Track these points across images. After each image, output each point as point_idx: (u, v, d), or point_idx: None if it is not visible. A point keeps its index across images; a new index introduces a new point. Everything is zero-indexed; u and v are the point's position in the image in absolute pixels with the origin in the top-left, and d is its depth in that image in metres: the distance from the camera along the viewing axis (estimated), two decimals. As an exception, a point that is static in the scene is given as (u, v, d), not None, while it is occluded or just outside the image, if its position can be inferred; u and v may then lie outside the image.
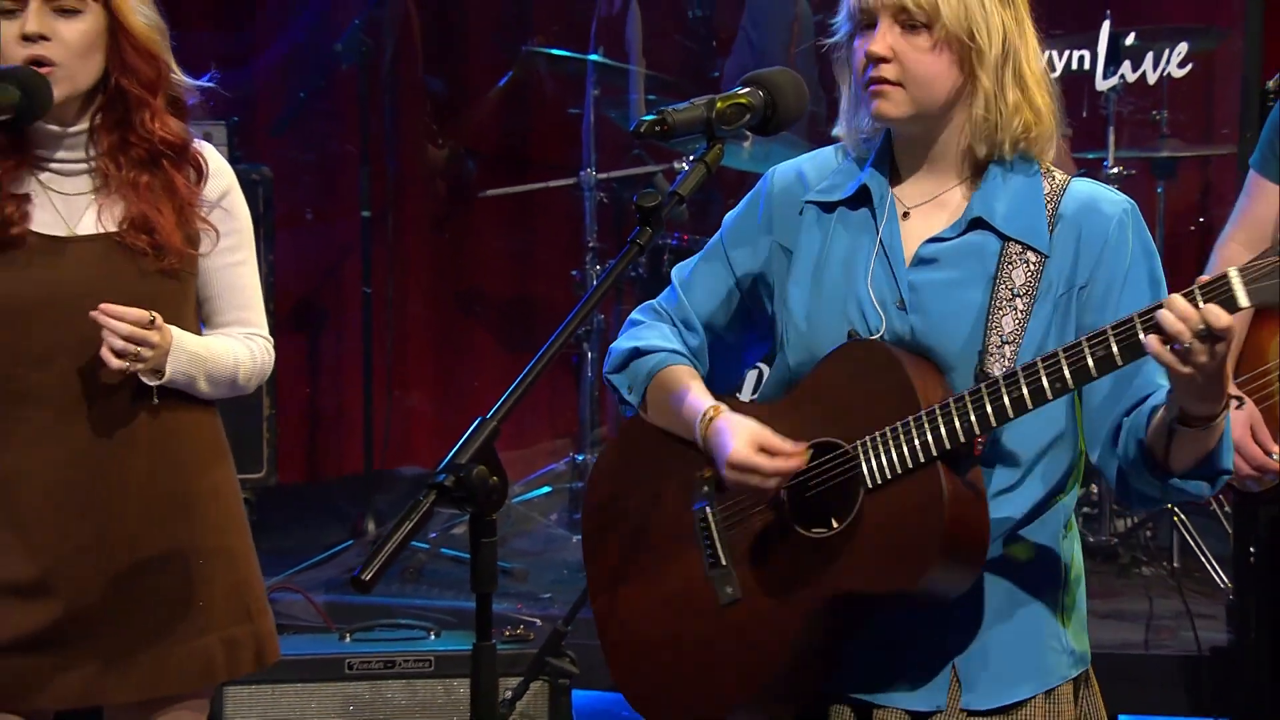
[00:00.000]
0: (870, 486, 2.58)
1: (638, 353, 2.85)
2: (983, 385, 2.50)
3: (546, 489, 6.41)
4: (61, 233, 3.10)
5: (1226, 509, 5.46)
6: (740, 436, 2.64)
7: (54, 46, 3.00)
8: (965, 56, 2.59)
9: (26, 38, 2.99)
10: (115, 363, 2.98)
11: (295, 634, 4.66)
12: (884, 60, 2.59)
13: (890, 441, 2.56)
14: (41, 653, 3.08)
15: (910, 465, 2.54)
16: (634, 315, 2.91)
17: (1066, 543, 2.70)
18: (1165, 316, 2.30)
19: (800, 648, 2.68)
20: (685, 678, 2.84)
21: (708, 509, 2.77)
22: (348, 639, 4.39)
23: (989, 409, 2.49)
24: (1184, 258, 6.16)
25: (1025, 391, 2.46)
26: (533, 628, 4.50)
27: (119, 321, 2.95)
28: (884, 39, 2.58)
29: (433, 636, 4.42)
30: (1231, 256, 3.71)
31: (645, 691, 2.92)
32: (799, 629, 2.67)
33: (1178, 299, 2.30)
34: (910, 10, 2.57)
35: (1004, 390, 2.48)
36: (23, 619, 3.08)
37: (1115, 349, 2.37)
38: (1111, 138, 5.77)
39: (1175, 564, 5.67)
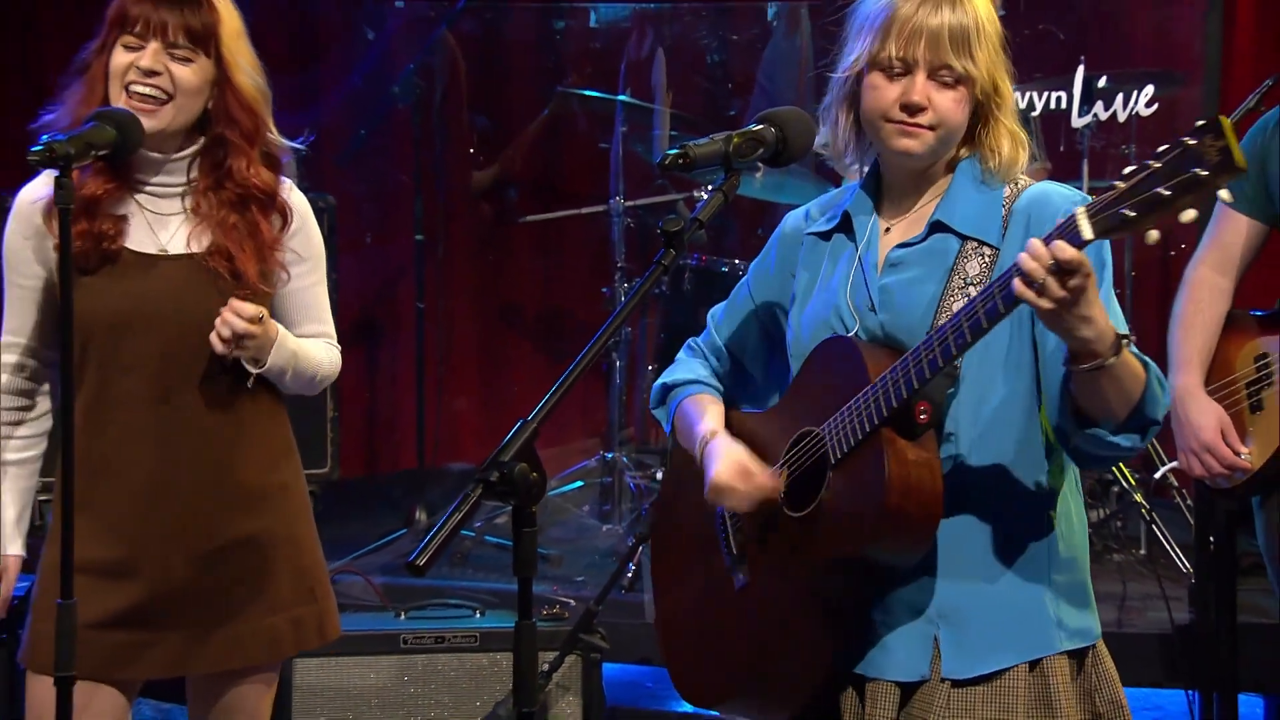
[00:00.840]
0: (833, 462, 2.57)
1: (667, 388, 2.93)
2: (908, 355, 2.48)
3: (579, 483, 6.40)
4: (153, 250, 3.12)
5: (1189, 503, 5.46)
6: (723, 461, 2.70)
7: (163, 80, 3.04)
8: (986, 104, 2.63)
9: (140, 69, 3.02)
10: (220, 347, 3.01)
11: (356, 612, 4.66)
12: (923, 109, 2.60)
13: (845, 419, 2.56)
14: (130, 629, 3.11)
15: (860, 436, 2.53)
16: (679, 354, 2.97)
17: (1058, 521, 2.63)
18: (1023, 258, 2.29)
19: (796, 624, 2.67)
20: (712, 660, 2.86)
21: (719, 510, 2.81)
22: (402, 616, 4.39)
23: (912, 374, 2.46)
24: (1150, 280, 6.16)
25: (937, 352, 2.44)
26: (567, 607, 4.49)
27: (236, 317, 2.99)
28: (922, 90, 2.59)
29: (478, 614, 4.41)
30: (1201, 278, 3.72)
31: (684, 673, 2.95)
32: (793, 605, 2.67)
33: (1033, 241, 2.28)
34: (952, 69, 2.59)
35: (923, 355, 2.46)
36: (113, 599, 3.10)
37: (998, 298, 2.35)
38: (1085, 169, 5.77)
39: (1144, 551, 5.65)
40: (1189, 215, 2.18)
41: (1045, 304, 2.30)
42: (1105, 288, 2.53)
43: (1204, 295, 3.73)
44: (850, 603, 2.65)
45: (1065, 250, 2.26)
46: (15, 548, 3.18)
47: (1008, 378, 2.58)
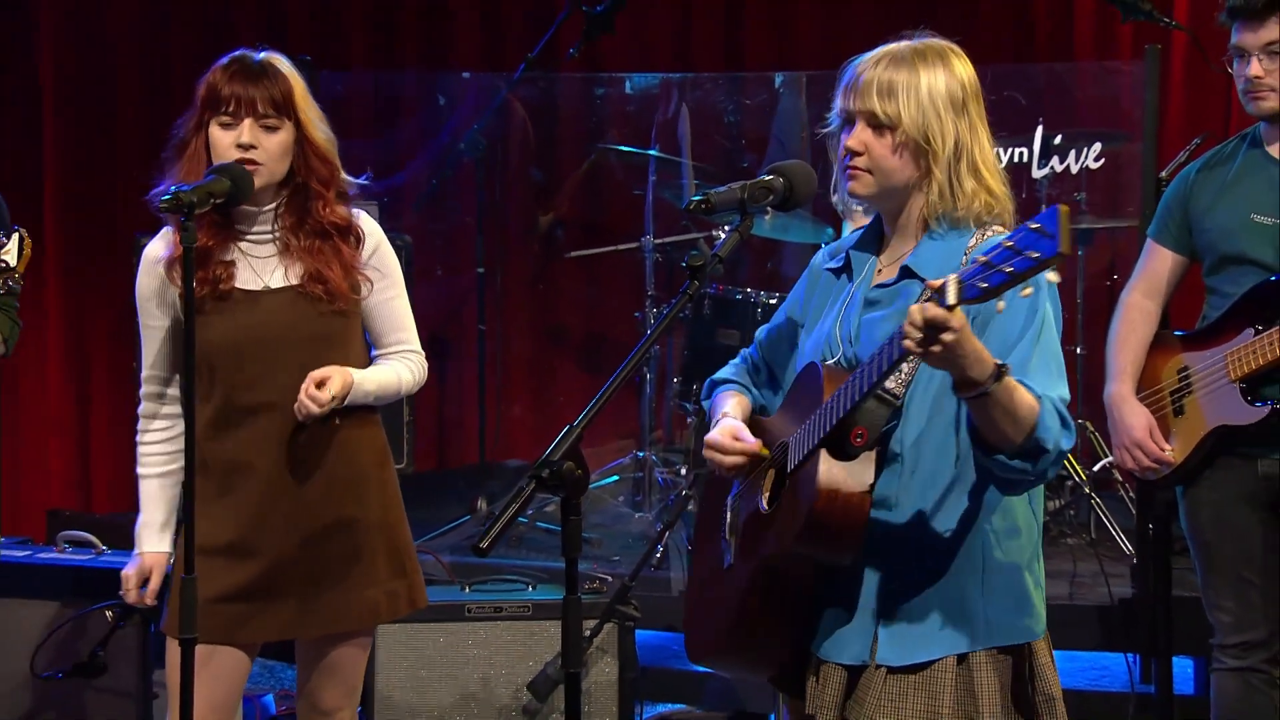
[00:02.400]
0: (789, 470, 2.55)
1: (713, 384, 2.93)
2: (842, 387, 2.44)
3: (615, 478, 6.38)
4: (257, 287, 3.13)
5: (1131, 494, 5.43)
6: (720, 428, 2.70)
7: (259, 152, 3.06)
8: (921, 154, 2.56)
9: (240, 145, 3.03)
10: (300, 417, 3.07)
11: (427, 585, 4.65)
12: (857, 153, 2.58)
13: (801, 434, 2.53)
14: (250, 600, 3.13)
15: (805, 452, 2.50)
16: (733, 360, 2.96)
17: (991, 535, 2.56)
18: (905, 322, 2.25)
19: (748, 601, 2.64)
20: (705, 625, 2.84)
21: (729, 499, 2.79)
22: (467, 590, 4.38)
23: (841, 404, 2.42)
24: (1098, 307, 6.12)
25: (857, 387, 2.40)
26: (605, 583, 4.48)
27: (313, 404, 3.04)
28: (858, 136, 2.58)
29: (531, 589, 4.40)
30: (1133, 302, 3.76)
31: (688, 633, 2.93)
32: (754, 587, 2.63)
33: (913, 305, 2.25)
34: (879, 116, 2.55)
35: (850, 388, 2.42)
36: (236, 575, 3.13)
37: (896, 346, 2.30)
38: (1043, 213, 5.75)
39: (1092, 535, 5.61)
40: (1027, 291, 2.17)
41: (919, 351, 2.26)
42: (1033, 330, 2.48)
43: (1135, 316, 3.74)
44: (796, 590, 2.61)
45: (931, 310, 2.21)
46: (164, 545, 3.21)
47: (944, 405, 2.52)
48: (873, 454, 2.46)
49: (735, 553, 2.73)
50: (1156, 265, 3.74)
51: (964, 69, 2.60)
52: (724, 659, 2.83)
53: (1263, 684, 3.58)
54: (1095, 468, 4.75)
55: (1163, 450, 3.61)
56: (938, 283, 2.22)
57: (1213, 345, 3.56)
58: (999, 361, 2.33)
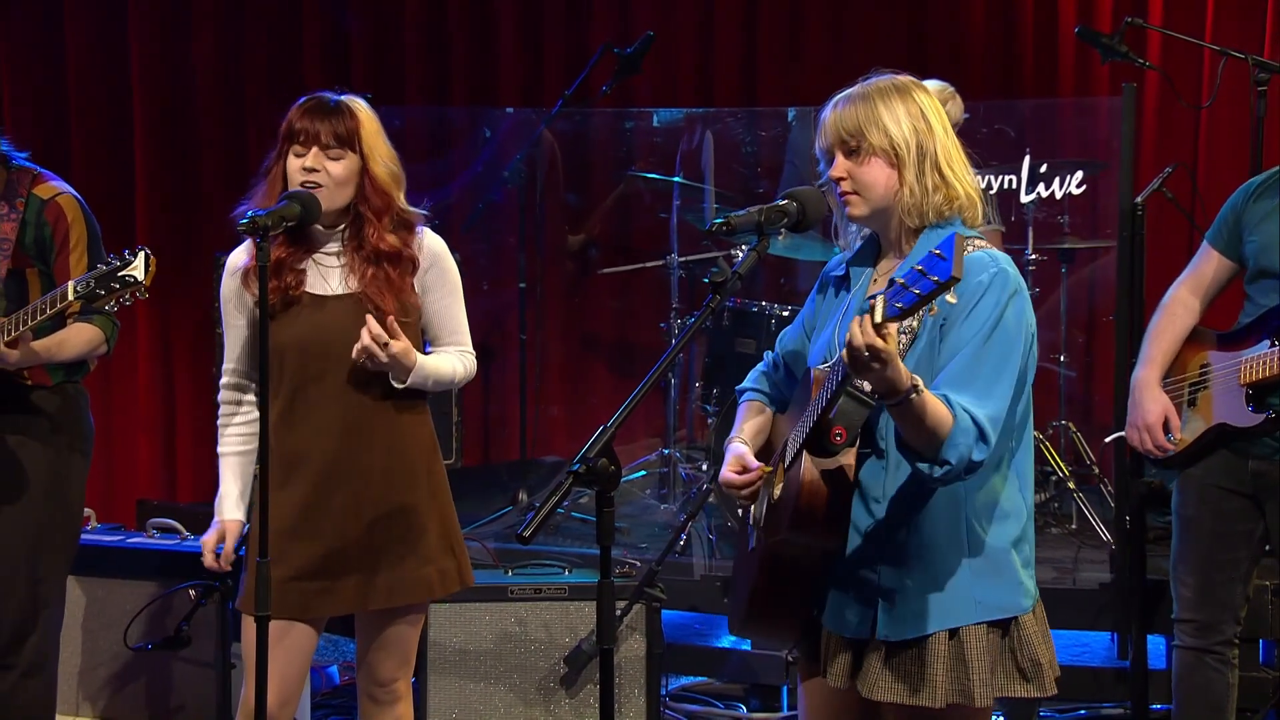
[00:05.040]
0: (786, 467, 2.56)
1: (740, 391, 2.93)
2: (821, 391, 2.46)
3: (643, 472, 6.36)
4: (324, 292, 3.16)
5: (1110, 488, 5.40)
6: (727, 462, 2.72)
7: (323, 176, 3.09)
8: (891, 162, 2.57)
9: (307, 169, 3.06)
10: (361, 352, 3.03)
11: (474, 570, 4.66)
12: (842, 179, 2.59)
13: (794, 434, 2.55)
14: (314, 579, 3.15)
15: (795, 451, 2.51)
16: (759, 363, 2.96)
17: (973, 520, 2.56)
18: (849, 328, 2.28)
19: (760, 579, 2.67)
20: (739, 600, 2.85)
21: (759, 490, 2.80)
22: (509, 573, 4.38)
23: (817, 404, 2.45)
24: (1078, 322, 6.10)
25: (827, 388, 2.42)
26: (635, 567, 4.48)
27: (375, 342, 3.03)
28: (839, 165, 2.60)
29: (567, 573, 4.40)
30: (1177, 296, 3.70)
31: (730, 605, 2.94)
32: (768, 567, 2.66)
33: (853, 323, 2.28)
34: (846, 141, 2.58)
35: (824, 390, 2.44)
36: (303, 556, 3.15)
37: (845, 358, 2.33)
38: (1030, 235, 5.73)
39: (1074, 525, 5.59)
40: (934, 311, 2.24)
41: (846, 359, 2.30)
42: (982, 336, 2.47)
43: (1177, 310, 3.69)
44: (795, 570, 2.62)
45: (864, 330, 2.25)
46: (239, 514, 3.24)
47: None
48: (853, 450, 2.48)
49: (757, 537, 2.74)
50: (1205, 266, 3.68)
51: (915, 87, 2.63)
52: (749, 627, 2.86)
53: (1218, 663, 3.59)
54: (1107, 439, 4.67)
55: (1167, 440, 3.59)
56: (873, 301, 2.26)
57: (1235, 349, 3.53)
58: (915, 379, 2.34)
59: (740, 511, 2.85)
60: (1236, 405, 3.48)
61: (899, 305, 2.21)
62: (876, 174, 2.58)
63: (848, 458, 2.48)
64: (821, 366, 2.62)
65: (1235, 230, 3.61)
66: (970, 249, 2.53)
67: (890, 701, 2.57)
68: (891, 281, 2.23)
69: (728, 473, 2.72)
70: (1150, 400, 3.63)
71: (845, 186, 2.60)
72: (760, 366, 2.96)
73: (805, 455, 2.47)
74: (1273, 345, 3.43)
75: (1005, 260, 2.57)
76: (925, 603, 2.55)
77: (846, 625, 2.61)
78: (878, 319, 2.23)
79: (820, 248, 5.92)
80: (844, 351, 2.31)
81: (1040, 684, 2.59)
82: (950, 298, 2.20)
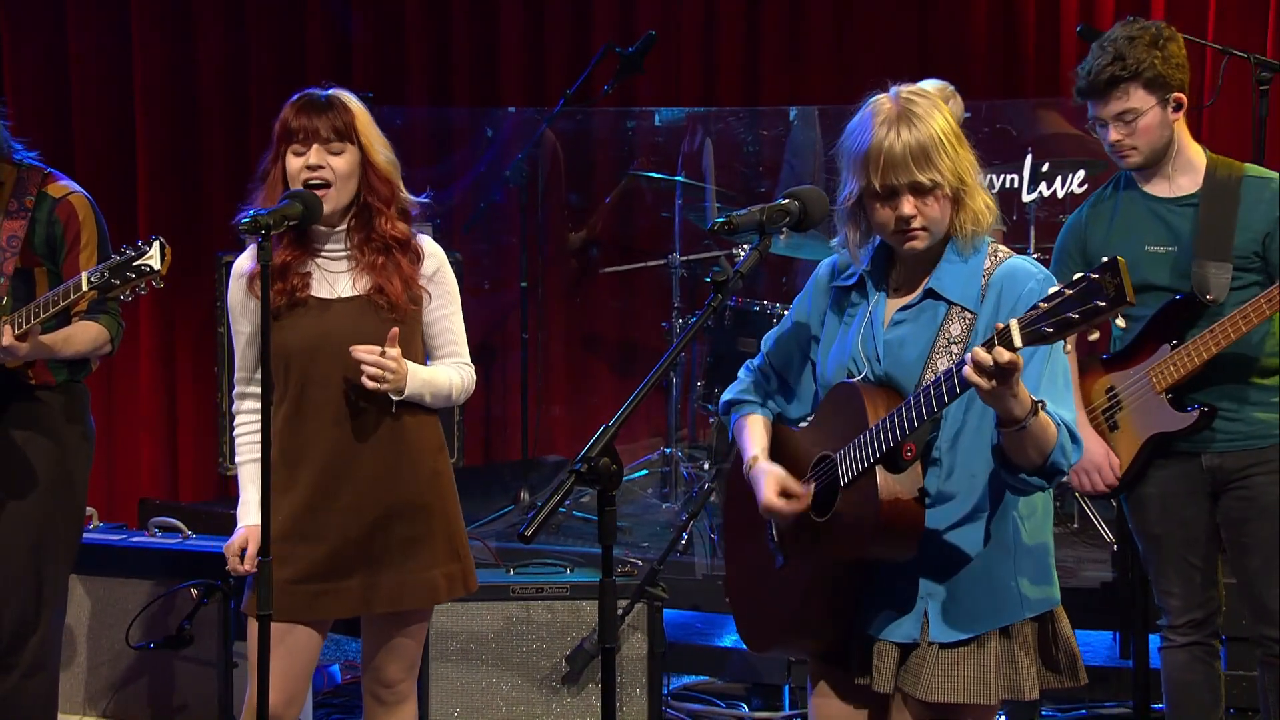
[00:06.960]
0: (843, 485, 2.55)
1: (729, 405, 2.90)
2: (896, 409, 2.46)
3: (645, 471, 6.37)
4: (330, 295, 3.15)
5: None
6: (768, 485, 2.66)
7: (326, 173, 3.08)
8: (957, 195, 2.56)
9: (309, 167, 3.06)
10: (370, 384, 3.01)
11: (475, 568, 4.67)
12: (913, 218, 2.55)
13: (852, 451, 2.53)
14: (320, 581, 3.14)
15: (861, 469, 2.51)
16: (740, 372, 2.93)
17: (1019, 520, 2.60)
18: (975, 354, 2.27)
19: (813, 596, 2.66)
20: (763, 618, 2.84)
21: None
22: (510, 572, 4.38)
23: (902, 425, 2.44)
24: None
25: (916, 411, 2.42)
26: (636, 566, 4.48)
27: (366, 354, 3.01)
28: (911, 205, 2.55)
29: (569, 572, 4.39)
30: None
31: (745, 625, 2.93)
32: (811, 583, 2.66)
33: (978, 348, 2.27)
34: (924, 184, 2.53)
35: (908, 412, 2.44)
36: (307, 559, 3.14)
37: (956, 379, 2.34)
38: (1032, 234, 5.73)
39: (1076, 525, 5.60)
40: (1094, 335, 2.21)
41: (985, 387, 2.29)
42: (1039, 360, 2.50)
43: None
44: (855, 583, 2.64)
45: (1003, 355, 2.25)
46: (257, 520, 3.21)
47: (977, 416, 2.55)
48: (919, 463, 2.50)
49: (788, 554, 2.73)
50: None
51: (943, 105, 2.60)
52: (788, 645, 2.88)
53: (1205, 654, 3.65)
54: None
55: (1115, 476, 3.63)
56: (1003, 326, 2.26)
57: (1134, 364, 3.60)
58: (1037, 399, 2.36)
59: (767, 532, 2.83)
60: (1163, 413, 3.53)
61: (1048, 330, 2.20)
62: (946, 212, 2.58)
63: (916, 470, 2.51)
64: (857, 379, 2.61)
65: (1081, 262, 3.61)
66: (1002, 255, 2.60)
67: (945, 701, 2.59)
68: (1033, 307, 2.23)
69: (772, 498, 2.65)
70: (1088, 439, 3.63)
71: (917, 224, 2.57)
72: (746, 376, 2.92)
73: (879, 471, 2.48)
74: (1174, 346, 3.50)
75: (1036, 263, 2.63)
76: (975, 604, 2.58)
77: (895, 630, 2.62)
78: (1017, 343, 2.24)
79: (822, 247, 5.89)
80: (959, 376, 2.31)
81: (1074, 675, 2.64)
82: (1120, 322, 2.22)
